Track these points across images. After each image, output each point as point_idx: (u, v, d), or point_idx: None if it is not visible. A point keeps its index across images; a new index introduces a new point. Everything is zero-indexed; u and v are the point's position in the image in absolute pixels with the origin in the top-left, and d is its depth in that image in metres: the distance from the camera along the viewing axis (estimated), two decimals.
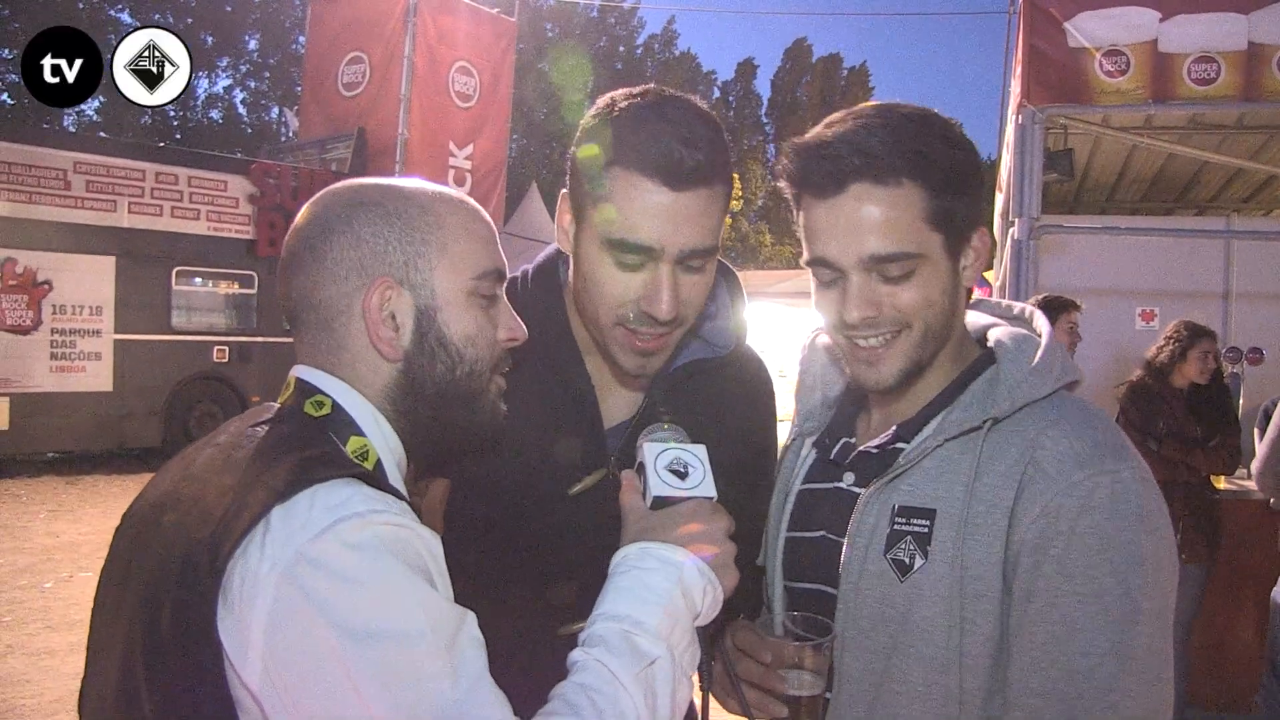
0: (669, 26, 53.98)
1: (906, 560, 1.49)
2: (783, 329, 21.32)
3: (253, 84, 43.85)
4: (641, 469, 1.49)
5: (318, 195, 1.42)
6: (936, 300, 1.50)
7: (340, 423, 1.32)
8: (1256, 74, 6.38)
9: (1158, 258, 9.01)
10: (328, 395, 1.34)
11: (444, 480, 1.67)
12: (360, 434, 1.33)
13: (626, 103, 1.59)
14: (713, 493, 1.47)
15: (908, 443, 1.58)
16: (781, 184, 1.57)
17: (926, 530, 1.49)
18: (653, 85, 1.65)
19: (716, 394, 1.84)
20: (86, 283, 13.13)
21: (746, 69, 58.14)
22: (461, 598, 1.28)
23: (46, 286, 12.76)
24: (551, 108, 39.24)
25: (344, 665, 1.09)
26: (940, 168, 1.46)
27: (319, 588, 1.10)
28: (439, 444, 1.47)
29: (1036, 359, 1.53)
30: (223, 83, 43.34)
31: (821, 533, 1.65)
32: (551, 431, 1.75)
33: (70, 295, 13.01)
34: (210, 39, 39.29)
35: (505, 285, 1.86)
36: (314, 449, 1.24)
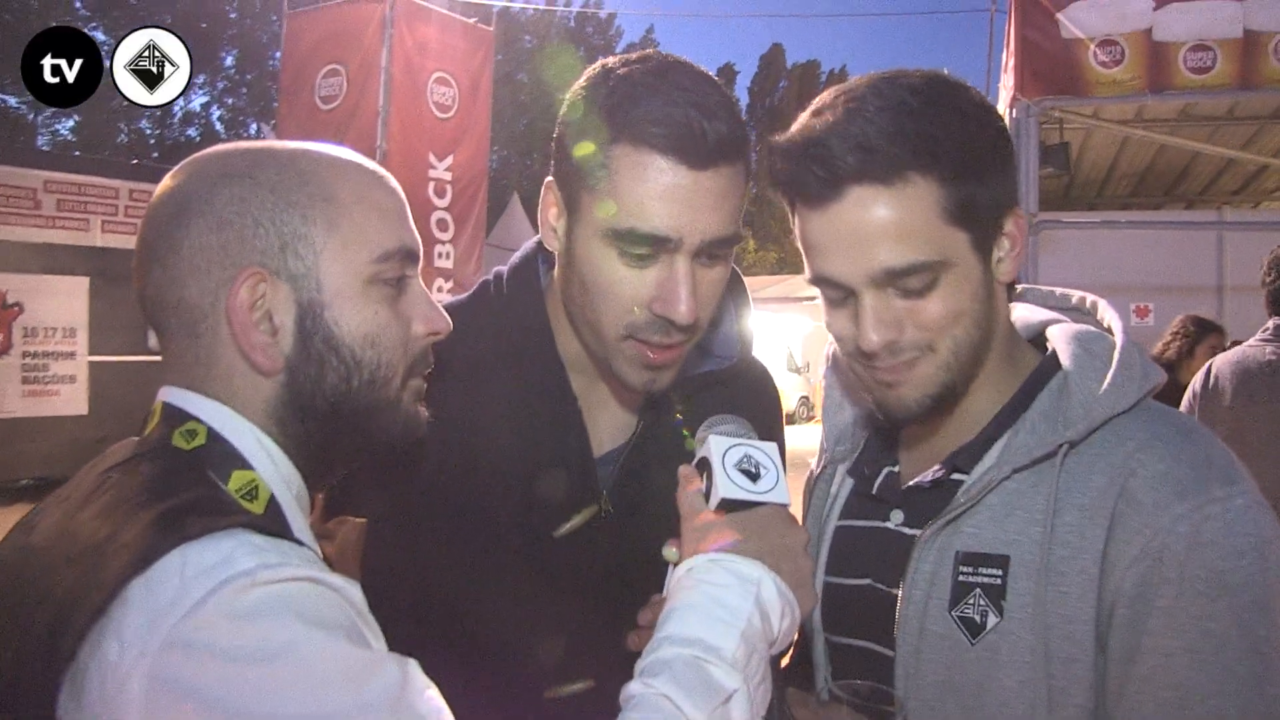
0: (648, 35, 53.98)
1: (977, 618, 1.26)
2: (770, 338, 21.16)
3: (230, 101, 43.60)
4: (705, 465, 1.27)
5: (177, 167, 1.15)
6: (967, 310, 1.26)
7: (219, 455, 1.06)
8: (1254, 61, 6.27)
9: (1151, 252, 8.89)
10: (201, 421, 1.08)
11: (357, 521, 1.42)
12: (245, 466, 1.07)
13: (625, 69, 1.34)
14: (787, 499, 1.25)
15: (966, 474, 1.33)
16: (773, 190, 1.34)
17: (999, 582, 1.25)
18: (650, 50, 1.40)
19: (722, 412, 1.62)
20: (59, 304, 12.77)
21: (727, 74, 58.13)
22: (424, 664, 1.03)
23: (17, 309, 12.42)
24: (531, 118, 39.15)
25: None
26: (955, 151, 1.22)
27: (204, 679, 0.84)
28: (344, 469, 1.22)
29: (1114, 363, 1.28)
30: (199, 99, 43.04)
31: (867, 580, 1.41)
32: (532, 463, 1.49)
33: (42, 317, 12.66)
34: None
35: (478, 290, 1.62)
36: (183, 494, 0.98)
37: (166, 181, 1.13)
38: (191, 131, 43.11)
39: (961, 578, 1.28)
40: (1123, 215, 9.11)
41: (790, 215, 1.34)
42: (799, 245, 1.34)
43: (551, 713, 1.45)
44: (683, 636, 1.10)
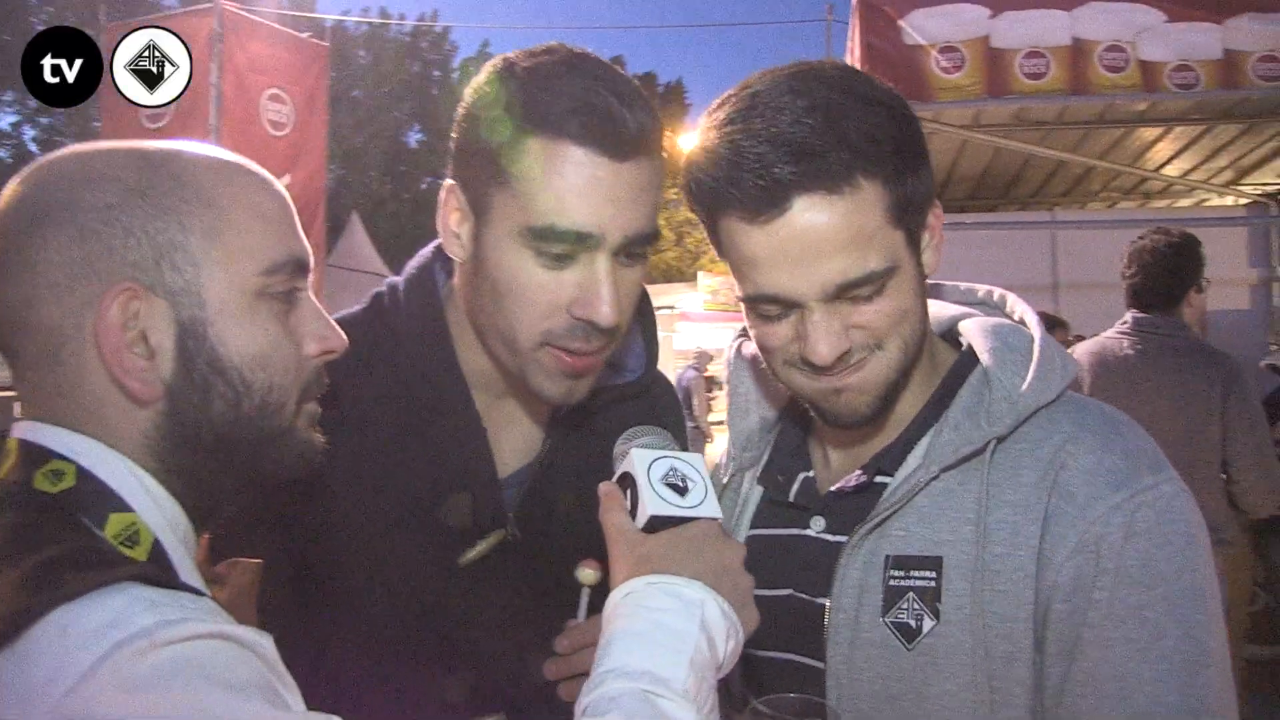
0: (483, 49, 53.55)
1: (912, 623, 1.21)
2: None
3: (45, 120, 41.20)
4: (628, 481, 1.18)
5: (27, 170, 1.01)
6: (911, 307, 1.23)
7: (91, 497, 0.94)
8: (1081, 69, 6.52)
9: (991, 252, 9.19)
10: (68, 459, 0.94)
11: (251, 562, 1.31)
12: (123, 508, 0.95)
13: (531, 62, 1.26)
14: (718, 513, 1.17)
15: (891, 476, 1.29)
16: (690, 203, 1.26)
17: (933, 584, 1.21)
18: (552, 43, 1.32)
19: (626, 429, 1.54)
20: None
21: None
22: (319, 706, 0.93)
23: None
24: (368, 136, 38.37)
25: None
26: (892, 149, 1.17)
27: None
28: (234, 506, 1.09)
29: (1035, 356, 1.26)
30: (9, 119, 40.38)
31: (788, 590, 1.35)
32: (433, 487, 1.40)
33: None
34: None
35: (371, 302, 1.52)
36: (54, 546, 0.85)
37: (14, 188, 0.98)
38: (1, 153, 40.62)
39: (893, 582, 1.24)
40: (968, 217, 9.42)
41: (708, 229, 1.26)
42: (724, 261, 1.27)
43: None
44: (628, 668, 1.00)
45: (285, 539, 1.39)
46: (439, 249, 1.48)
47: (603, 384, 1.51)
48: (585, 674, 1.35)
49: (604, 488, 1.22)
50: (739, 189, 1.17)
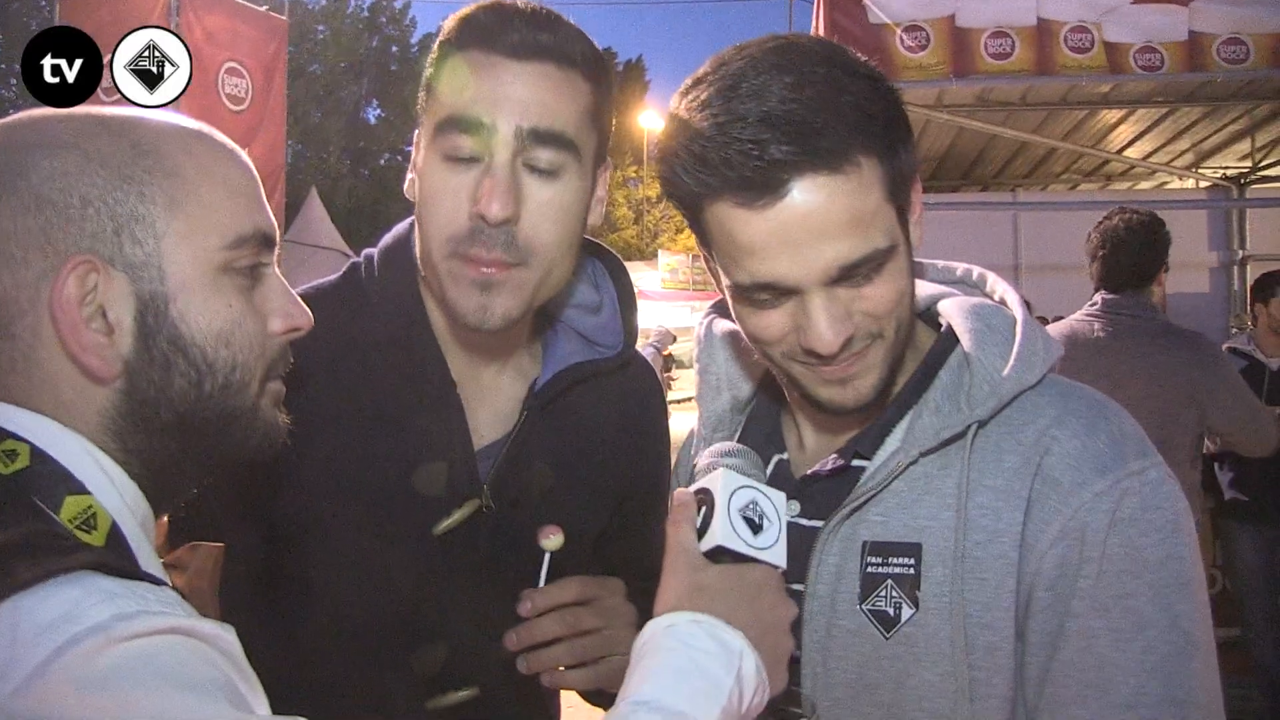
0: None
1: (890, 611, 1.18)
2: None
3: None
4: (706, 498, 1.13)
5: None
6: (905, 287, 1.18)
7: (46, 478, 0.90)
8: (1047, 49, 6.52)
9: (954, 234, 9.22)
10: (21, 439, 0.90)
11: (213, 546, 1.30)
12: (79, 490, 0.90)
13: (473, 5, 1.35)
14: (784, 562, 1.14)
15: (868, 459, 1.24)
16: (670, 190, 1.20)
17: (912, 571, 1.17)
18: None
19: (603, 409, 1.54)
20: None
21: None
22: (289, 685, 0.99)
23: None
24: (326, 111, 37.94)
25: None
26: (884, 121, 1.12)
27: None
28: (195, 487, 1.06)
29: (1018, 338, 1.22)
30: None
31: None
32: (410, 455, 1.40)
33: None
34: None
35: (346, 272, 1.52)
36: (7, 530, 0.81)
37: None
38: None
39: (870, 569, 1.20)
40: (930, 198, 9.43)
41: (693, 219, 1.20)
42: (706, 249, 1.22)
43: None
44: (663, 705, 0.97)
45: (253, 512, 1.39)
46: (415, 221, 1.48)
47: (574, 359, 1.52)
48: (546, 644, 1.37)
49: (679, 495, 1.19)
50: (733, 172, 1.10)
